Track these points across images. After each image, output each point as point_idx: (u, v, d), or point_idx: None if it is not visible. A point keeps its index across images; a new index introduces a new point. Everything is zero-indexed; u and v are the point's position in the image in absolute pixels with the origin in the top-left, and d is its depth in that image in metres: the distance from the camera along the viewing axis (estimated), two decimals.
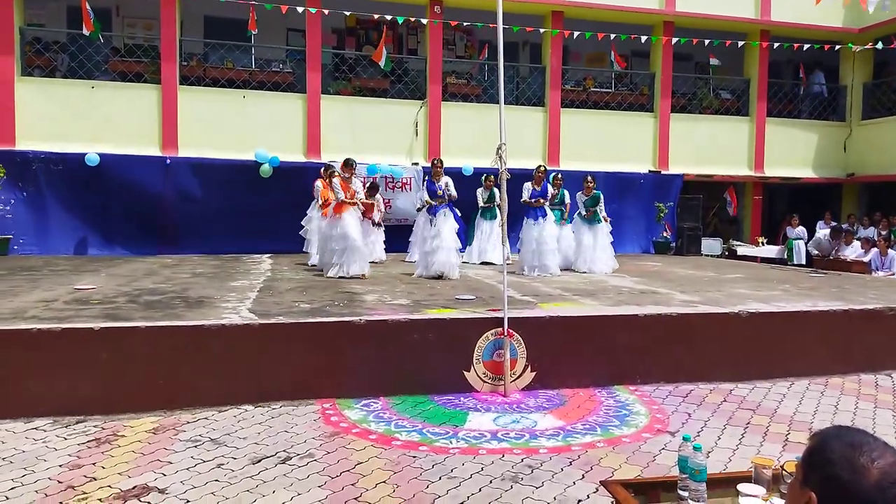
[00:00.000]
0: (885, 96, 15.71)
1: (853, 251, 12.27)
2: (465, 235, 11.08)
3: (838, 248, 12.71)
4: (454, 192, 9.26)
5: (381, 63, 12.44)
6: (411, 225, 12.04)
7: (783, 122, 15.72)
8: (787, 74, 16.82)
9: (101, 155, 11.23)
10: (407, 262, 10.86)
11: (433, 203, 9.07)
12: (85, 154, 11.08)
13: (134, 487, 3.52)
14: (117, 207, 11.41)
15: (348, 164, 8.67)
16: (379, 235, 10.89)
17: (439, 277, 8.47)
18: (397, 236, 11.67)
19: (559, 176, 10.48)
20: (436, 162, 9.67)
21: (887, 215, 14.13)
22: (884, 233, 13.14)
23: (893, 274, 11.29)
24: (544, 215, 9.31)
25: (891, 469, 1.16)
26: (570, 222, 10.43)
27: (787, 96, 16.08)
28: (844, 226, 14.08)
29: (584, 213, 10.31)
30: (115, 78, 12.41)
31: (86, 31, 11.14)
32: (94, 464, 3.82)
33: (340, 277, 8.24)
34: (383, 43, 12.37)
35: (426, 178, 9.89)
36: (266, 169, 11.68)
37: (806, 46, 14.28)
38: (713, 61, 14.65)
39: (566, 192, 10.42)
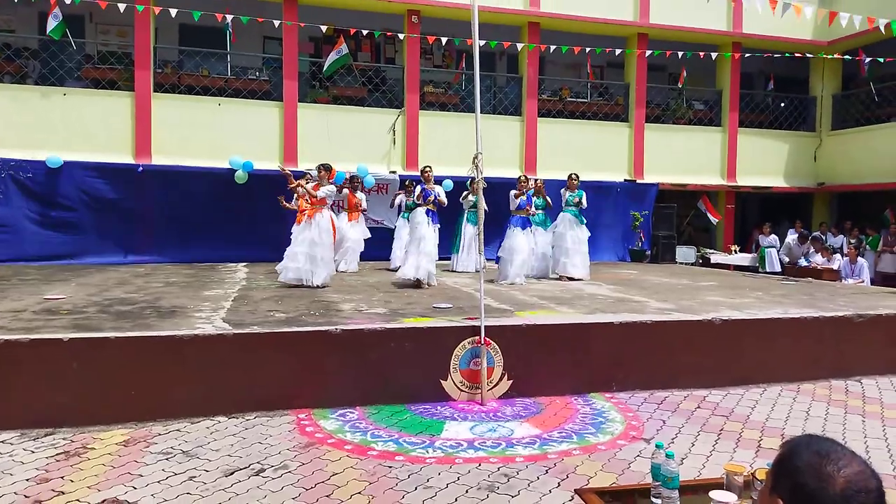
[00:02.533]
0: (853, 107, 16.05)
1: (819, 258, 12.52)
2: (451, 241, 11.10)
3: (808, 253, 12.95)
4: (444, 199, 9.38)
5: (325, 68, 12.41)
6: (386, 229, 12.03)
7: (755, 133, 15.99)
8: (759, 85, 17.13)
9: (74, 162, 11.06)
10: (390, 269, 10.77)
11: (427, 206, 9.08)
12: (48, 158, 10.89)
13: (104, 501, 3.45)
14: (89, 216, 11.23)
15: (325, 168, 8.62)
16: (356, 245, 10.81)
17: (416, 285, 8.46)
18: (371, 241, 11.48)
19: (539, 182, 10.62)
20: (426, 169, 9.68)
21: (857, 224, 14.42)
22: (853, 241, 13.41)
23: (863, 281, 11.51)
24: (528, 225, 9.53)
25: (856, 478, 1.18)
26: (549, 226, 10.57)
27: (759, 107, 16.37)
28: (816, 233, 14.34)
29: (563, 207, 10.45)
30: (88, 85, 12.25)
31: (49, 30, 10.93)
32: (62, 477, 3.74)
33: (294, 286, 8.11)
34: (335, 48, 12.33)
35: (416, 184, 9.83)
36: (241, 175, 11.56)
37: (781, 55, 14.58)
38: (682, 77, 14.85)
39: (546, 200, 10.51)
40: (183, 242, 11.60)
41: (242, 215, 11.62)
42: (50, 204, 11.07)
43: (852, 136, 15.71)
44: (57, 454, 4.11)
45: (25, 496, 3.50)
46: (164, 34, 13.30)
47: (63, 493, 3.54)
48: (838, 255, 12.40)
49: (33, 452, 4.14)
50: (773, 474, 1.29)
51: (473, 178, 10.69)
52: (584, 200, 10.35)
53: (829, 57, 15.13)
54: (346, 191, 10.96)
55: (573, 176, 10.51)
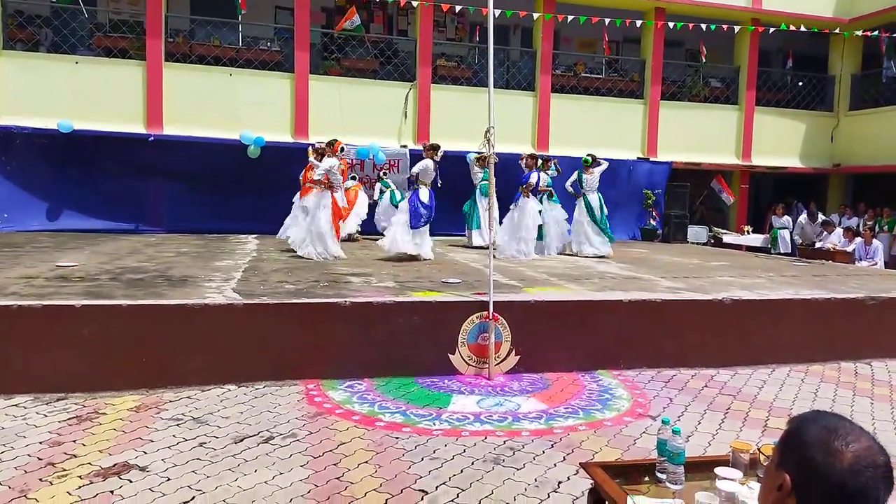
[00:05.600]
0: (873, 87, 15.77)
1: (836, 238, 12.40)
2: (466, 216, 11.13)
3: (821, 234, 12.83)
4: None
5: (343, 26, 12.34)
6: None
7: (771, 112, 15.76)
8: (777, 63, 16.85)
9: (85, 131, 11.08)
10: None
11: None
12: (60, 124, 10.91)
13: (114, 465, 3.50)
14: (102, 184, 11.27)
15: (328, 145, 8.75)
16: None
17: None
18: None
19: (551, 160, 10.61)
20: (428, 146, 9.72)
21: (872, 206, 14.26)
22: (869, 223, 13.26)
23: (876, 263, 11.41)
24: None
25: (864, 453, 1.17)
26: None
27: (776, 85, 16.11)
28: (833, 216, 14.20)
29: (572, 191, 10.46)
30: (100, 53, 12.21)
31: None
32: (74, 441, 3.81)
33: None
34: (347, 18, 12.27)
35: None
36: (254, 150, 11.55)
37: (802, 32, 14.31)
38: (703, 52, 14.61)
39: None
40: (193, 213, 11.63)
41: (253, 187, 11.62)
42: (62, 172, 11.11)
43: (870, 117, 15.45)
44: (69, 419, 4.18)
45: (38, 458, 3.56)
46: (175, 3, 13.20)
47: (75, 456, 3.60)
48: (859, 238, 12.27)
49: (46, 416, 4.20)
50: (780, 449, 1.28)
51: (483, 152, 10.80)
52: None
53: (850, 34, 14.81)
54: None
55: (590, 159, 10.46)
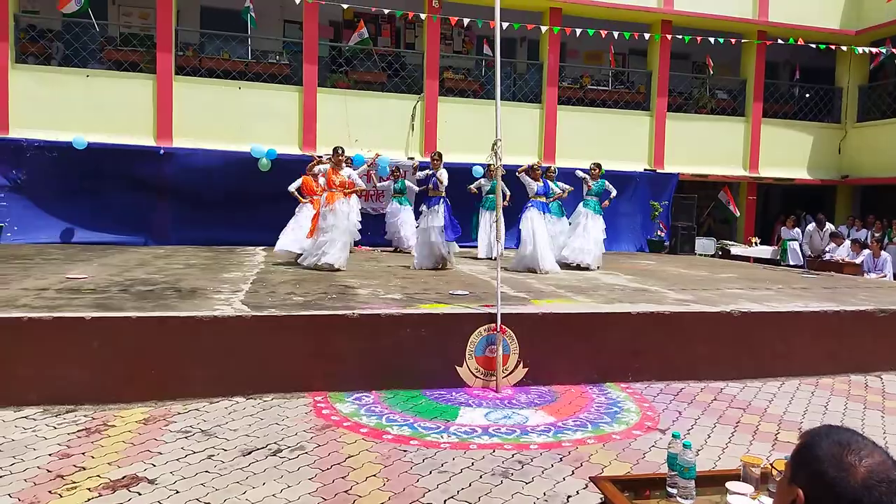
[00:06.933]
0: (880, 99, 15.75)
1: (844, 250, 12.34)
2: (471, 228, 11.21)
3: (829, 245, 12.78)
4: (443, 180, 9.44)
5: (350, 42, 12.67)
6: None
7: (778, 123, 15.75)
8: (784, 75, 16.85)
9: (96, 144, 11.17)
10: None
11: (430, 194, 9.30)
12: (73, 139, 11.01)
13: (123, 477, 3.51)
14: (111, 197, 11.35)
15: (336, 153, 8.70)
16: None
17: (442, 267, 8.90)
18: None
19: (552, 169, 10.63)
20: (433, 156, 9.73)
21: (880, 217, 14.20)
22: (877, 235, 13.20)
23: (885, 276, 11.34)
24: (547, 210, 9.57)
25: (878, 468, 1.16)
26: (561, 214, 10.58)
27: (784, 97, 16.11)
28: (842, 228, 14.15)
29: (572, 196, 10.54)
30: (111, 67, 12.33)
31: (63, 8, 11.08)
32: (83, 453, 3.81)
33: (315, 267, 8.32)
34: (356, 32, 12.45)
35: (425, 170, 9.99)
36: (265, 163, 11.63)
37: (807, 45, 14.31)
38: (710, 64, 14.65)
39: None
40: (202, 225, 11.69)
41: (261, 199, 11.65)
42: (72, 184, 11.19)
43: (878, 129, 15.40)
44: (78, 430, 4.19)
45: (48, 470, 3.57)
46: (185, 17, 13.34)
47: (84, 468, 3.61)
48: (867, 250, 12.21)
49: (55, 428, 4.22)
50: (792, 464, 1.28)
51: (489, 165, 10.89)
52: (610, 187, 10.30)
53: (859, 49, 14.79)
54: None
55: (593, 166, 10.42)
